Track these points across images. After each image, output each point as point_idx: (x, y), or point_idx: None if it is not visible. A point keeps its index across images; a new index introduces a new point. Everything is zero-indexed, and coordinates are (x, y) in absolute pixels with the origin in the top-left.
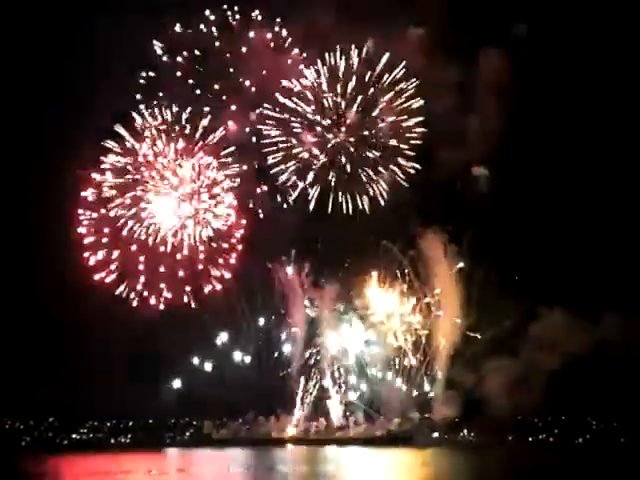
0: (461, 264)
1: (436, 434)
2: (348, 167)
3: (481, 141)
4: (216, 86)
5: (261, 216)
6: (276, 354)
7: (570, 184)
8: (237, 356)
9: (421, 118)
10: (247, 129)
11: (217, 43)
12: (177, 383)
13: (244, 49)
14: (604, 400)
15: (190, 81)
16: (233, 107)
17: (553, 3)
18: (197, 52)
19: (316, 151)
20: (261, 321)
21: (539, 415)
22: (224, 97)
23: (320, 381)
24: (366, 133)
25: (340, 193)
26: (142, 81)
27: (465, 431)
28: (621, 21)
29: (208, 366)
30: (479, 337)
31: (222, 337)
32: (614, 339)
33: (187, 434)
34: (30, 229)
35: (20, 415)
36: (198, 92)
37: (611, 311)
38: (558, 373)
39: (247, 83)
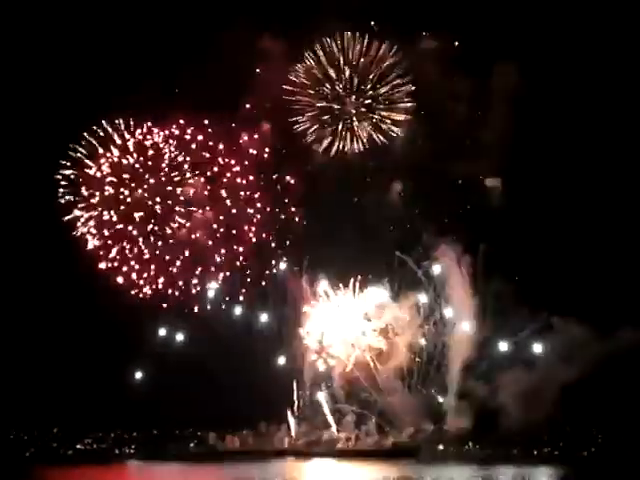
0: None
1: (441, 447)
2: None
3: (495, 152)
4: None
5: None
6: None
7: (586, 195)
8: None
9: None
10: None
11: None
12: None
13: None
14: (615, 413)
15: None
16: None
17: (567, 18)
18: None
19: None
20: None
21: (549, 428)
22: None
23: (330, 391)
24: None
25: None
26: None
27: (470, 444)
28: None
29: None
30: (493, 349)
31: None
32: (629, 353)
33: (191, 446)
34: None
35: (24, 425)
36: None
37: (627, 326)
38: (571, 386)
39: None
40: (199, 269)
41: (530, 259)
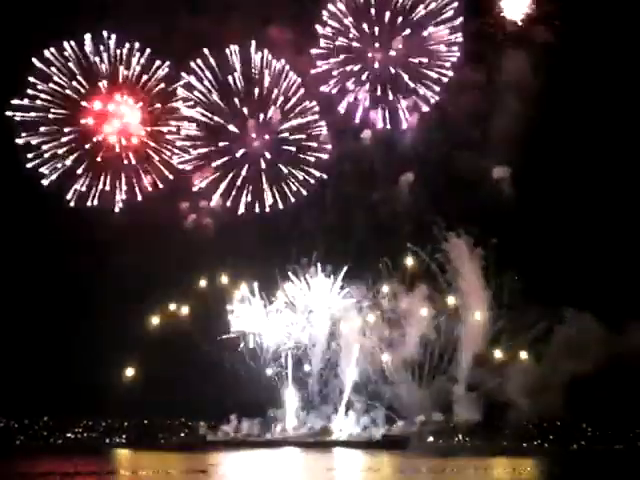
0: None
1: (431, 439)
2: None
3: (502, 143)
4: None
5: None
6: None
7: (597, 187)
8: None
9: None
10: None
11: None
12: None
13: None
14: (614, 408)
15: None
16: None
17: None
18: None
19: None
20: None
21: (540, 422)
22: None
23: (340, 383)
24: None
25: None
26: None
27: (460, 436)
28: None
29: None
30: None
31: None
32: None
33: (181, 435)
34: None
35: (15, 414)
36: None
37: (636, 321)
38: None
39: None
40: None
41: (541, 252)
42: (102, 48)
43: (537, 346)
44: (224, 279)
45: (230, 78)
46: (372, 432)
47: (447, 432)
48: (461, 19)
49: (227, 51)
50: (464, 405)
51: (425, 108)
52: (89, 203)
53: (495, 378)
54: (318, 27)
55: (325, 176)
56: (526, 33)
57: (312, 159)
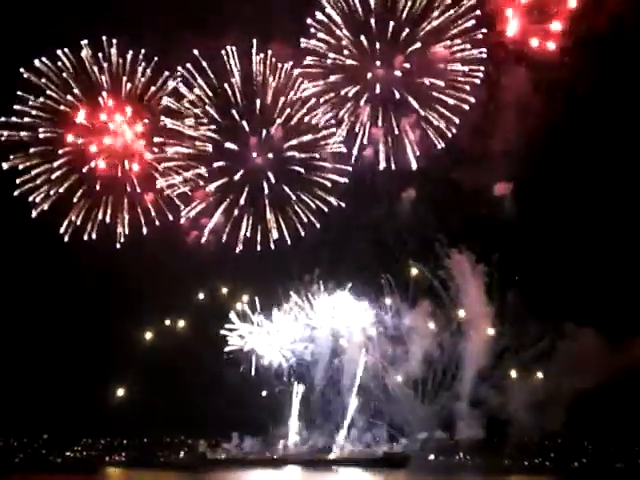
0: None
1: (432, 456)
2: None
3: (504, 160)
4: None
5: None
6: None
7: (599, 204)
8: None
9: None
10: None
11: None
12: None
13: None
14: (615, 425)
15: None
16: None
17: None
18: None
19: None
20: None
21: (541, 439)
22: None
23: (342, 400)
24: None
25: None
26: None
27: (461, 454)
28: None
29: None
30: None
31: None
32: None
33: (181, 453)
34: None
35: (14, 432)
36: None
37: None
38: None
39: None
40: None
41: (543, 269)
42: (101, 57)
43: (540, 362)
44: (225, 296)
45: (227, 86)
46: (374, 450)
47: (449, 450)
48: (484, 31)
49: (223, 52)
50: (467, 422)
51: (439, 144)
52: (86, 237)
53: (498, 395)
54: (303, 40)
55: (343, 204)
56: (528, 49)
57: (328, 183)
